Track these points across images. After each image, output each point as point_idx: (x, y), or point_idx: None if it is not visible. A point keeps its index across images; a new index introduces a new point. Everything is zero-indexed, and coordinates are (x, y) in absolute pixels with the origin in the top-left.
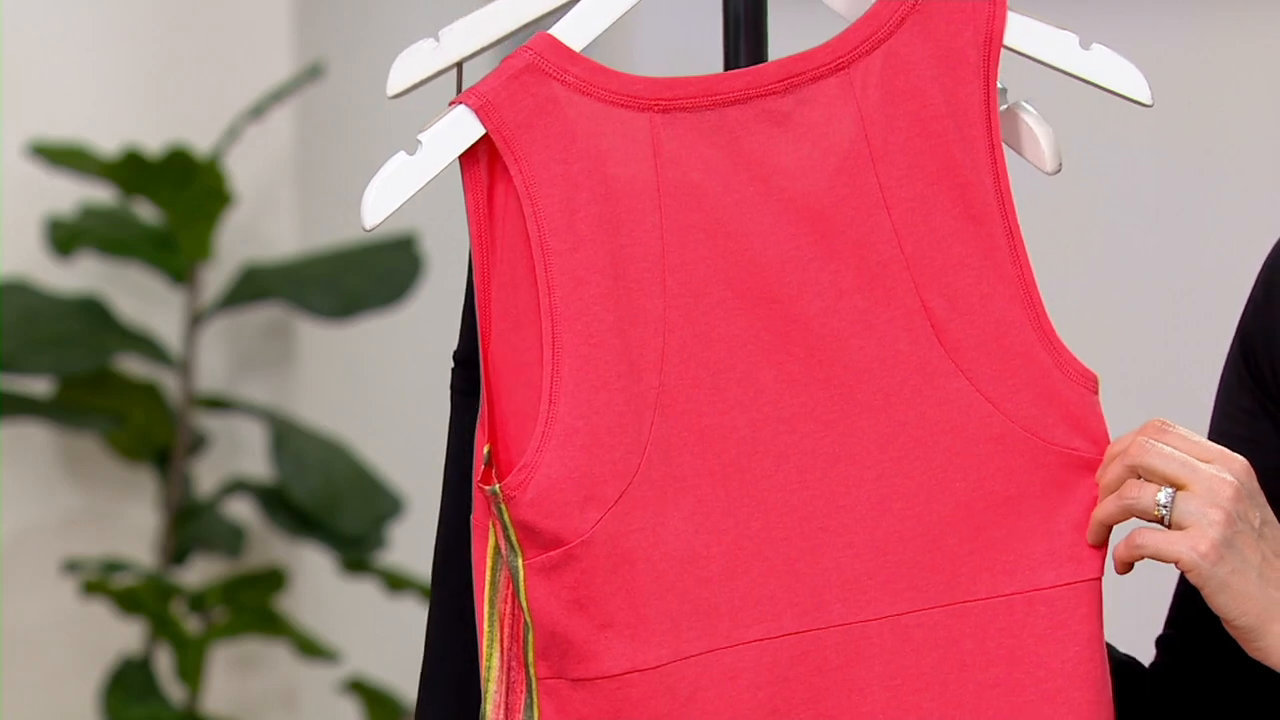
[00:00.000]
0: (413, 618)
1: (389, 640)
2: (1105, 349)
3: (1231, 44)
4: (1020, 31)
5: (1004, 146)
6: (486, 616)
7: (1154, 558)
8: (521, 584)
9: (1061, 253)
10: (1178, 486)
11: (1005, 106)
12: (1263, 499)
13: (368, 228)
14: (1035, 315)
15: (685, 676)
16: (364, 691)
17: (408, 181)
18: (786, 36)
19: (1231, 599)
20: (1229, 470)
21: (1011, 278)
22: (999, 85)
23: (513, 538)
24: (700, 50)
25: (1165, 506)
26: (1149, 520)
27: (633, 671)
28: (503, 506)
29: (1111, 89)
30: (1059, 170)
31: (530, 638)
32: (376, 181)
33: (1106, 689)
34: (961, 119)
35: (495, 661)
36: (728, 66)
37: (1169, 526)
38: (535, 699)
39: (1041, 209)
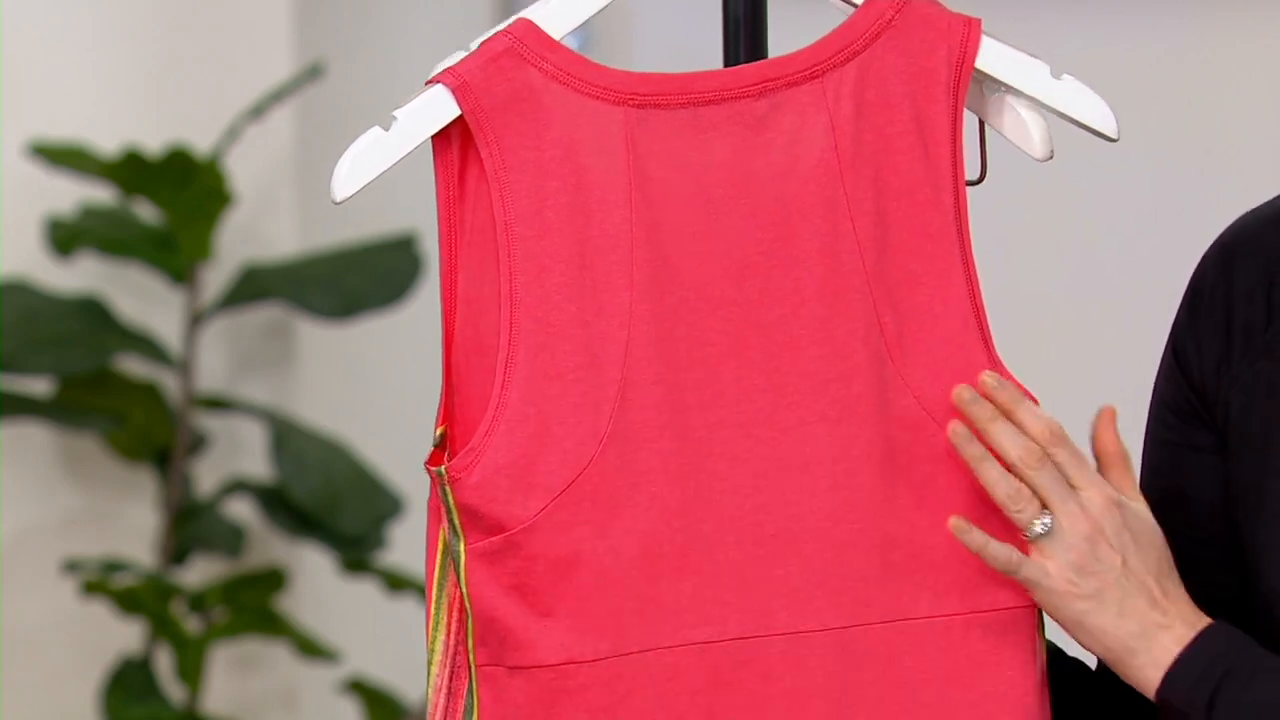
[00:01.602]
0: (413, 618)
1: (389, 640)
2: (1103, 350)
3: (1231, 44)
4: (992, 55)
5: (995, 135)
6: (434, 600)
7: (1012, 575)
8: (462, 569)
9: (1061, 254)
10: (1049, 509)
11: (997, 94)
12: (1127, 537)
13: (337, 200)
14: (983, 336)
15: (624, 673)
16: (364, 691)
17: (380, 157)
18: (786, 36)
19: (1087, 635)
20: (1097, 504)
21: (963, 297)
22: (992, 75)
23: (455, 521)
24: (700, 50)
25: (1039, 534)
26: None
27: (569, 663)
28: (447, 489)
29: (1078, 119)
30: (1050, 158)
31: (471, 623)
32: (349, 155)
33: (1042, 714)
34: (928, 136)
35: (439, 645)
36: (727, 66)
37: (1029, 544)
38: (475, 685)
39: (1040, 210)
